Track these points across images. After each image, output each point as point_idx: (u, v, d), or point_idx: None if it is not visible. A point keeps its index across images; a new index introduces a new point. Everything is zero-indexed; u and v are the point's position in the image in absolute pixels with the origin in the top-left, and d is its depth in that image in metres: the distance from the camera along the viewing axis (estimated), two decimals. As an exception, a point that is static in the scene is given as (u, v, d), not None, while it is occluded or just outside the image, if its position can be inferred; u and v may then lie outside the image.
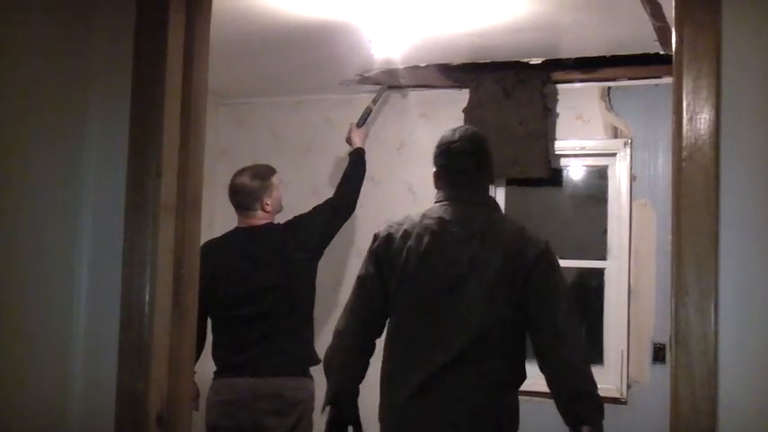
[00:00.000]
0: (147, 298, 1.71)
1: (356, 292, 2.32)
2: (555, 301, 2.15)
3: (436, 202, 2.32)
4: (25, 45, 1.64)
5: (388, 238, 2.28)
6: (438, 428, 2.13)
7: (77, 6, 1.78)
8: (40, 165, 1.69)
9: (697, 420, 1.45)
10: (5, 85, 1.59)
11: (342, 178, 3.49)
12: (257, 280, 2.98)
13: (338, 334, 2.31)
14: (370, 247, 2.32)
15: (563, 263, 3.79)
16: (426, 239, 2.21)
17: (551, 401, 3.33)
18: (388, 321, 2.28)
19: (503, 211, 2.41)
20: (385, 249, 2.26)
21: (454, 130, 2.37)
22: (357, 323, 2.28)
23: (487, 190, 2.40)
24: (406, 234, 2.25)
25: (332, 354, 2.31)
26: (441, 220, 2.25)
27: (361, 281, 2.31)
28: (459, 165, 2.30)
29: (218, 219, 3.30)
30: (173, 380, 1.77)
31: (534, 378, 3.54)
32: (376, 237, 2.33)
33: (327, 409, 2.29)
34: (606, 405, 3.61)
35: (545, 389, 3.60)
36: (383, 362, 2.26)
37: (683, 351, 1.47)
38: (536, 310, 2.15)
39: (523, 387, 3.75)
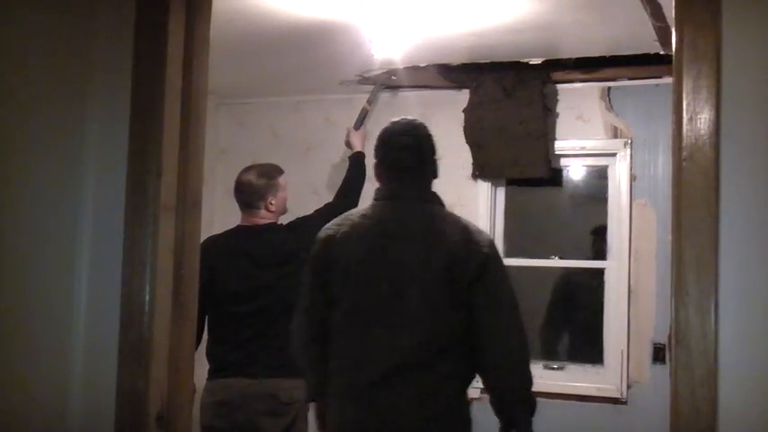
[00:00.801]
0: (147, 298, 1.71)
1: (301, 298, 2.26)
2: (499, 304, 2.10)
3: (377, 200, 2.23)
4: (25, 45, 1.64)
5: (328, 240, 2.18)
6: None
7: (77, 6, 1.78)
8: (40, 165, 1.69)
9: (697, 420, 1.45)
10: (5, 86, 1.59)
11: (342, 182, 3.49)
12: (254, 278, 2.97)
13: (293, 338, 2.28)
14: (311, 252, 2.23)
15: (563, 263, 3.87)
16: (367, 241, 2.13)
17: (551, 401, 3.33)
18: (334, 324, 2.18)
19: (443, 206, 2.27)
20: (323, 253, 2.17)
21: (396, 122, 2.27)
22: (305, 330, 2.23)
23: (430, 183, 2.27)
24: (346, 236, 2.15)
25: (293, 354, 2.30)
26: (381, 220, 2.16)
27: (303, 289, 2.25)
28: (400, 158, 2.20)
29: (218, 219, 3.30)
30: (173, 380, 1.77)
31: (534, 378, 3.54)
32: (316, 240, 2.24)
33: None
34: (606, 405, 3.64)
35: (545, 389, 3.62)
36: (331, 363, 2.18)
37: (683, 351, 1.47)
38: (480, 312, 2.09)
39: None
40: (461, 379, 2.15)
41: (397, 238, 2.13)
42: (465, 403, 2.18)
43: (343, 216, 2.27)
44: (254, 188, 3.06)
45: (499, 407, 2.16)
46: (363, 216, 2.20)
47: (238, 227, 3.11)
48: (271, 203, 3.07)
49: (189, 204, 1.82)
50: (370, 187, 3.69)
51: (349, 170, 3.52)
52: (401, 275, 2.09)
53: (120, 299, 1.73)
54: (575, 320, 3.94)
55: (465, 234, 2.12)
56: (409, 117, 2.31)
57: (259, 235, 3.05)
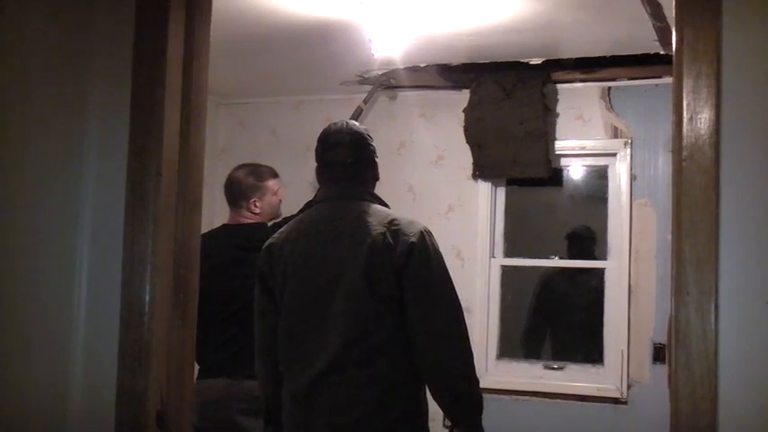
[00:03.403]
0: (147, 298, 1.71)
1: (254, 310, 2.26)
2: (431, 296, 2.03)
3: (315, 202, 2.24)
4: (25, 45, 1.64)
5: (270, 248, 2.20)
6: None
7: (77, 7, 1.78)
8: (40, 165, 1.69)
9: (697, 420, 1.45)
10: (5, 86, 1.59)
11: None
12: (235, 278, 2.95)
13: (255, 351, 2.28)
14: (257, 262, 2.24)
15: (563, 263, 3.87)
16: (300, 244, 2.13)
17: (551, 401, 3.33)
18: (278, 332, 2.17)
19: (380, 203, 2.22)
20: (266, 261, 2.19)
21: (334, 124, 2.27)
22: (259, 340, 2.24)
23: (367, 184, 2.23)
24: (286, 241, 2.17)
25: (256, 372, 2.30)
26: (313, 221, 2.17)
27: (255, 299, 2.25)
28: (335, 157, 2.19)
29: (218, 219, 3.29)
30: (173, 380, 1.77)
31: (534, 378, 3.56)
32: (262, 249, 2.24)
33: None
34: (606, 405, 3.63)
35: (544, 389, 3.63)
36: (281, 371, 2.18)
37: (683, 351, 1.47)
38: (411, 306, 2.01)
39: (524, 387, 3.74)
40: (402, 373, 2.06)
41: (327, 238, 2.11)
42: (410, 398, 2.08)
43: (287, 224, 2.28)
44: (239, 186, 3.03)
45: (441, 407, 2.08)
46: (300, 221, 2.22)
47: (222, 225, 3.09)
48: (255, 205, 3.02)
49: (189, 204, 1.82)
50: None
51: None
52: (329, 276, 2.07)
53: (120, 299, 1.73)
54: (574, 320, 3.94)
55: (391, 226, 2.06)
56: (348, 120, 2.31)
57: (241, 234, 3.01)
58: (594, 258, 3.76)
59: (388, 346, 2.04)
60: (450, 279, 2.09)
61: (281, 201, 3.16)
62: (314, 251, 2.12)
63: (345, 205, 2.16)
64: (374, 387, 2.02)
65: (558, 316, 3.99)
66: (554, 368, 3.72)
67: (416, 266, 2.02)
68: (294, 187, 3.85)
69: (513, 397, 3.65)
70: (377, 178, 2.27)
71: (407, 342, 2.04)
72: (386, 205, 2.22)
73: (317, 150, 2.27)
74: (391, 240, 2.03)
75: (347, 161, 2.19)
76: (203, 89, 1.88)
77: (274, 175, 3.12)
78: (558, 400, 3.57)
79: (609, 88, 3.63)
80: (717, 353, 1.45)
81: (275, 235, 2.24)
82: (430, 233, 2.10)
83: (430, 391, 2.09)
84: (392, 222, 2.07)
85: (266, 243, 2.23)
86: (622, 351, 3.53)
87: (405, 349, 2.05)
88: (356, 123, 2.29)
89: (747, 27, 1.50)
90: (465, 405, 2.06)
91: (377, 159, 2.27)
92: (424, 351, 2.03)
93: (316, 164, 2.28)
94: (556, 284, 3.98)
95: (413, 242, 2.03)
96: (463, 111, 3.71)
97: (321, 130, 2.28)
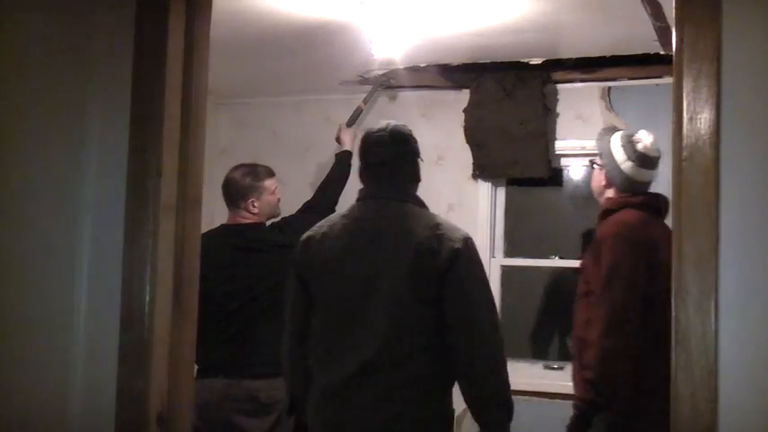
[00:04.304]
0: (147, 298, 1.71)
1: (286, 302, 2.29)
2: (471, 303, 2.07)
3: (357, 200, 2.26)
4: (25, 45, 1.64)
5: (307, 241, 2.22)
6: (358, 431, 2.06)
7: (77, 6, 1.78)
8: (40, 165, 1.69)
9: (697, 420, 1.45)
10: (5, 86, 1.59)
11: (324, 179, 3.46)
12: (233, 278, 2.95)
13: (283, 344, 2.30)
14: (293, 254, 2.27)
15: (563, 263, 3.86)
16: (342, 240, 2.15)
17: (551, 401, 3.32)
18: (312, 325, 2.20)
19: (427, 207, 2.28)
20: (303, 254, 2.21)
21: (378, 123, 2.30)
22: (290, 333, 2.26)
23: (409, 185, 2.28)
24: (324, 236, 2.19)
25: (282, 363, 2.31)
26: (356, 219, 2.19)
27: (287, 292, 2.28)
28: (377, 156, 2.22)
29: (218, 219, 3.30)
30: (173, 380, 1.77)
31: (534, 378, 3.56)
32: (299, 242, 2.27)
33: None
34: (606, 405, 3.60)
35: (545, 389, 3.62)
36: (310, 365, 2.19)
37: (683, 351, 1.47)
38: (451, 310, 2.06)
39: (524, 387, 3.73)
40: (437, 377, 2.10)
41: (370, 236, 2.14)
42: (442, 403, 2.13)
43: (325, 218, 2.30)
44: (236, 186, 3.04)
45: (473, 410, 2.12)
46: (342, 216, 2.24)
47: (222, 225, 3.10)
48: (253, 205, 3.03)
49: (189, 204, 1.82)
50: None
51: (332, 167, 3.50)
52: (371, 274, 2.09)
53: (120, 299, 1.73)
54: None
55: (436, 230, 2.11)
56: (391, 121, 2.32)
57: (240, 234, 3.03)
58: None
59: (427, 348, 2.08)
60: (489, 286, 2.16)
61: (279, 200, 3.17)
62: (356, 248, 2.14)
63: (389, 205, 2.20)
64: (410, 388, 2.05)
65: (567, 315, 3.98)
66: (554, 368, 3.72)
67: (460, 272, 2.07)
68: (294, 187, 3.86)
69: (514, 397, 3.63)
70: (418, 179, 2.31)
71: (443, 346, 2.08)
72: (425, 207, 2.25)
73: (359, 149, 2.31)
74: (436, 245, 2.07)
75: (387, 159, 2.22)
76: (203, 89, 1.88)
77: (271, 174, 3.13)
78: (558, 400, 3.56)
79: (609, 88, 3.63)
80: (717, 353, 1.45)
81: (314, 228, 2.26)
82: (472, 240, 2.16)
83: (463, 394, 2.12)
84: (437, 227, 2.12)
85: (304, 236, 2.25)
86: (622, 351, 3.52)
87: (441, 353, 2.08)
88: (401, 124, 2.30)
89: (747, 27, 1.50)
90: (497, 411, 2.10)
91: (420, 160, 2.30)
92: (462, 354, 2.07)
93: (359, 163, 2.30)
94: (566, 284, 3.95)
95: (458, 248, 2.08)
96: (463, 111, 3.71)
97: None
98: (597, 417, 2.39)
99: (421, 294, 2.06)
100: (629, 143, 2.67)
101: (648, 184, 2.67)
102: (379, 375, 2.04)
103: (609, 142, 2.73)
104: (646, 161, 2.64)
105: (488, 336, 2.08)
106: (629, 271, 2.41)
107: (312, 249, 2.19)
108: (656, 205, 2.63)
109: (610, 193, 2.71)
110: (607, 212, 2.65)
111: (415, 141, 2.30)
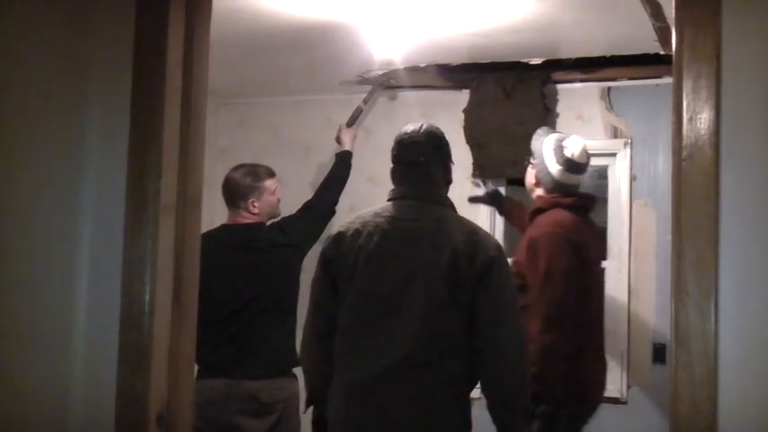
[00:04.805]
0: (147, 298, 1.71)
1: (311, 295, 2.29)
2: (503, 309, 2.11)
3: (389, 199, 2.27)
4: (24, 45, 1.64)
5: (339, 237, 2.22)
6: (384, 429, 2.09)
7: (77, 6, 1.78)
8: (41, 165, 1.69)
9: (697, 420, 1.45)
10: (5, 86, 1.59)
11: (324, 179, 3.46)
12: (234, 278, 2.95)
13: (303, 334, 2.31)
14: (322, 249, 2.28)
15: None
16: (376, 238, 2.16)
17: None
18: (339, 320, 2.21)
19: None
20: (334, 249, 2.21)
21: (412, 124, 2.32)
22: (315, 326, 2.26)
23: (441, 187, 2.31)
24: (357, 233, 2.19)
25: (301, 356, 2.32)
26: (391, 218, 2.19)
27: (313, 284, 2.28)
28: (411, 156, 2.25)
29: (218, 219, 3.30)
30: (173, 380, 1.77)
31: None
32: (329, 237, 2.28)
33: (311, 409, 2.31)
34: (606, 405, 3.63)
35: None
36: (334, 360, 2.20)
37: (683, 351, 1.47)
38: (482, 315, 2.09)
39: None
40: (464, 380, 2.15)
41: (405, 236, 2.15)
42: (466, 406, 2.17)
43: (356, 215, 2.31)
44: (237, 187, 3.04)
45: (494, 413, 2.15)
46: (375, 215, 2.24)
47: (222, 226, 3.10)
48: (253, 205, 3.03)
49: (189, 204, 1.82)
50: (370, 187, 3.74)
51: (333, 167, 3.50)
52: (406, 273, 2.11)
53: (120, 299, 1.73)
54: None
55: (472, 236, 2.15)
56: (424, 122, 2.36)
57: (240, 234, 3.03)
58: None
59: (458, 351, 2.11)
60: (515, 294, 2.21)
61: (279, 200, 3.17)
62: (392, 248, 2.15)
63: (424, 207, 2.22)
64: (440, 389, 2.08)
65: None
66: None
67: (493, 279, 2.11)
68: (294, 187, 3.86)
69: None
70: (450, 181, 2.36)
71: (471, 349, 2.11)
72: (455, 209, 2.30)
73: (393, 150, 2.32)
74: (472, 251, 2.11)
75: (420, 159, 2.24)
76: (203, 89, 1.88)
77: (271, 174, 3.13)
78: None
79: (609, 88, 3.63)
80: (717, 353, 1.46)
81: (344, 224, 2.28)
82: (502, 248, 2.21)
83: (486, 397, 2.15)
84: (473, 233, 2.17)
85: (335, 231, 2.27)
86: (622, 351, 3.53)
87: (466, 354, 2.12)
88: (434, 126, 2.34)
89: (747, 27, 1.50)
90: (518, 414, 2.12)
91: (452, 164, 2.35)
92: (488, 358, 2.10)
93: (391, 164, 2.32)
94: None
95: (493, 255, 2.12)
96: (463, 111, 3.71)
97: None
98: (540, 409, 2.48)
99: (455, 298, 2.09)
100: (558, 148, 2.83)
101: (577, 186, 2.84)
102: (410, 375, 2.07)
103: (542, 144, 2.88)
104: (573, 167, 2.81)
105: (515, 343, 2.12)
106: (564, 269, 2.57)
107: (344, 246, 2.20)
108: (585, 206, 2.84)
109: (540, 191, 2.91)
110: (538, 211, 2.83)
111: (448, 144, 2.34)
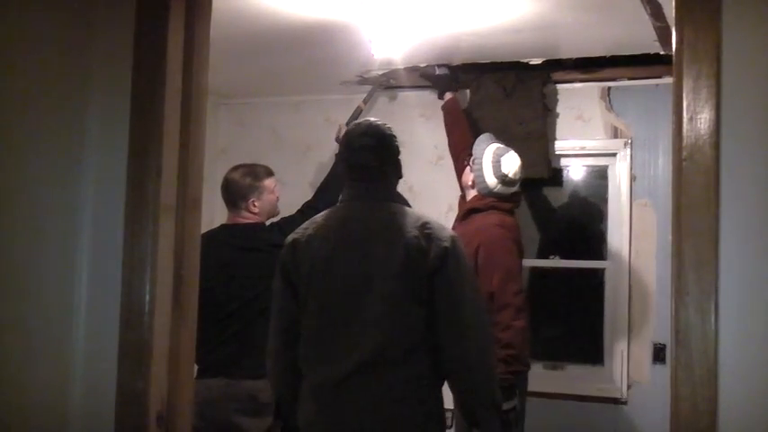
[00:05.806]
0: (147, 298, 1.71)
1: (273, 303, 2.27)
2: (460, 302, 2.08)
3: (340, 202, 2.25)
4: (25, 46, 1.64)
5: (293, 244, 2.20)
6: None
7: (77, 6, 1.78)
8: (41, 165, 1.69)
9: (697, 420, 1.45)
10: (5, 86, 1.59)
11: (324, 179, 3.46)
12: (232, 278, 2.95)
13: (269, 343, 2.28)
14: (279, 257, 2.25)
15: (563, 263, 3.86)
16: (330, 241, 2.14)
17: (551, 401, 3.31)
18: (302, 326, 2.18)
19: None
20: (290, 257, 2.19)
21: (358, 125, 2.29)
22: (278, 336, 2.24)
23: (393, 184, 2.29)
24: (311, 238, 2.17)
25: (268, 365, 2.29)
26: (342, 220, 2.18)
27: (274, 294, 2.26)
28: (362, 160, 2.21)
29: (218, 219, 3.30)
30: (173, 380, 1.77)
31: (534, 378, 3.55)
32: (284, 244, 2.26)
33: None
34: (606, 405, 3.63)
35: (545, 389, 3.62)
36: (301, 366, 2.17)
37: (683, 351, 1.47)
38: (440, 310, 2.07)
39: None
40: (431, 377, 2.10)
41: (358, 237, 2.13)
42: (437, 402, 2.13)
43: (309, 220, 2.28)
44: (236, 187, 3.04)
45: (463, 408, 2.14)
46: (327, 218, 2.22)
47: (222, 225, 3.10)
48: (253, 204, 3.03)
49: (189, 204, 1.82)
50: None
51: (332, 167, 3.50)
52: (362, 274, 2.08)
53: (120, 299, 1.73)
54: (574, 320, 3.93)
55: (424, 229, 2.11)
56: (372, 119, 2.31)
57: (239, 234, 3.02)
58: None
59: (421, 346, 2.08)
60: (477, 283, 2.20)
61: (278, 199, 3.17)
62: (347, 249, 2.13)
63: (375, 205, 2.19)
64: (406, 387, 2.05)
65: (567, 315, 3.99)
66: (554, 368, 3.72)
67: (449, 271, 2.07)
68: (294, 187, 3.86)
69: (513, 397, 3.64)
70: (400, 176, 2.33)
71: (434, 343, 2.08)
72: (408, 205, 2.26)
73: (341, 152, 2.30)
74: (425, 244, 2.08)
75: (373, 164, 2.21)
76: (203, 89, 1.88)
77: (270, 173, 3.13)
78: (558, 400, 3.57)
79: (609, 88, 3.63)
80: (717, 353, 1.46)
81: (298, 230, 2.25)
82: (459, 239, 2.17)
83: (452, 390, 2.13)
84: (424, 226, 2.12)
85: (289, 238, 2.24)
86: (622, 351, 3.53)
87: (432, 350, 2.09)
88: (379, 122, 2.29)
89: (747, 27, 1.50)
90: (486, 407, 2.10)
91: (400, 157, 2.31)
92: (450, 353, 2.07)
93: (342, 163, 2.29)
94: (567, 283, 3.96)
95: (446, 247, 2.08)
96: (463, 111, 3.71)
97: (345, 131, 2.34)
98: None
99: (412, 293, 2.06)
100: (497, 164, 3.11)
101: (508, 194, 3.14)
102: (375, 375, 2.04)
103: (483, 152, 3.16)
104: (507, 182, 3.11)
105: (476, 335, 2.08)
106: (518, 266, 3.05)
107: (299, 251, 2.18)
108: (514, 209, 3.20)
109: (474, 192, 3.20)
110: (475, 210, 3.14)
111: (395, 138, 2.29)
